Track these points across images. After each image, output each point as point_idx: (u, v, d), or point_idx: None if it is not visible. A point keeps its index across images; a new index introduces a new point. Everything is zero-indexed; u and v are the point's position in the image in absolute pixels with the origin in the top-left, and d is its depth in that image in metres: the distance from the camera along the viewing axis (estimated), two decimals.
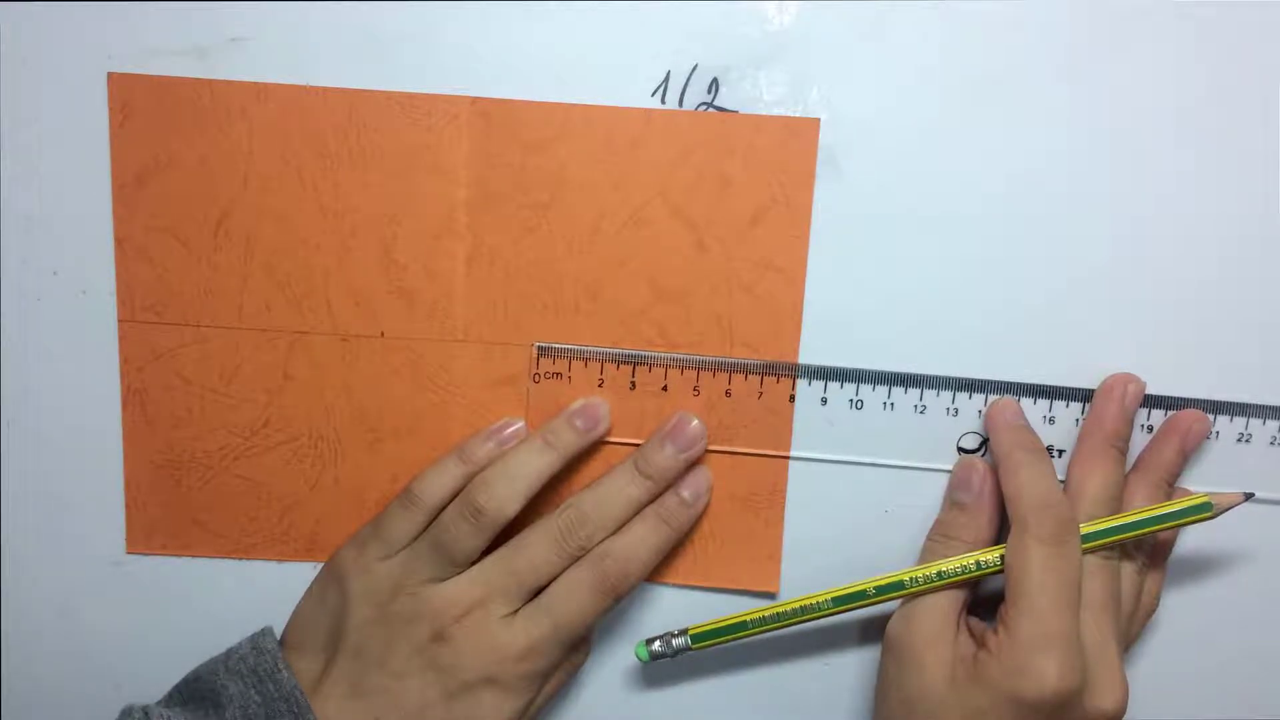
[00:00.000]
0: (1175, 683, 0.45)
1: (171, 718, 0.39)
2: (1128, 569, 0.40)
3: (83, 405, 0.43)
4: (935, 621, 0.39)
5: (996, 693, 0.36)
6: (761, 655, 0.45)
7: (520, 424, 0.43)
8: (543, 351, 0.42)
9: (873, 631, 0.44)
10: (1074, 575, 0.37)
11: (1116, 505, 0.40)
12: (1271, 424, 0.42)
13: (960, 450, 0.43)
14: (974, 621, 0.41)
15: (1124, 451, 0.41)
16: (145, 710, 0.39)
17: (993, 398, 0.42)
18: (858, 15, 0.40)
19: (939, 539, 0.42)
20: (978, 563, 0.39)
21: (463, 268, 0.42)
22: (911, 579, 0.40)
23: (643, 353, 0.42)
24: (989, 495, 0.41)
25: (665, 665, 0.45)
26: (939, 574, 0.39)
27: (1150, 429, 0.42)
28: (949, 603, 0.40)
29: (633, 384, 0.42)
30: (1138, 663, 0.44)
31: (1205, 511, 0.39)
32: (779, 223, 0.41)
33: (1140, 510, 0.39)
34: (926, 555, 0.42)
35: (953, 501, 0.42)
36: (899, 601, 0.40)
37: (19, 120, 0.41)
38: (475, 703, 0.39)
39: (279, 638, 0.42)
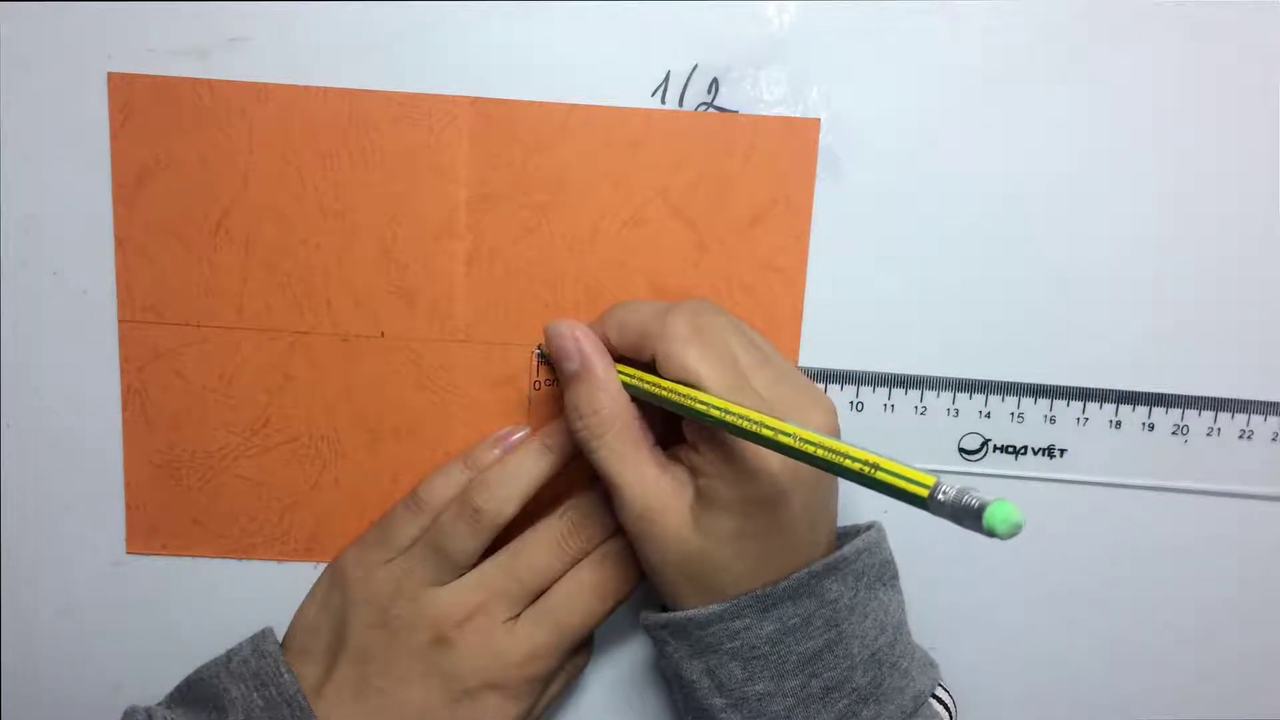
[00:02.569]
0: (1175, 683, 0.45)
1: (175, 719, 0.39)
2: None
3: (83, 405, 0.43)
4: (645, 491, 0.37)
5: (739, 505, 0.35)
6: None
7: (526, 431, 0.42)
8: (543, 359, 0.42)
9: None
10: (725, 352, 0.36)
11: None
12: (1273, 420, 0.42)
13: (962, 451, 0.43)
14: (671, 452, 0.38)
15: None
16: (149, 712, 0.39)
17: (993, 398, 0.42)
18: (858, 15, 0.40)
19: (585, 432, 0.38)
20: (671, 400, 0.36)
21: (463, 268, 0.42)
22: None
23: None
24: (597, 349, 0.38)
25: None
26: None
27: (1151, 427, 0.42)
28: (641, 466, 0.37)
29: None
30: (1138, 662, 0.44)
31: None
32: (779, 223, 0.41)
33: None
34: (591, 450, 0.38)
35: (566, 377, 0.39)
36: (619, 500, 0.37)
37: (19, 120, 0.41)
38: (478, 707, 0.39)
39: (280, 640, 0.42)
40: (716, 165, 0.41)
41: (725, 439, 0.35)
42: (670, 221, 0.41)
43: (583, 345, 0.38)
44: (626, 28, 0.40)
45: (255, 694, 0.39)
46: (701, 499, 0.36)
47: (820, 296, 0.42)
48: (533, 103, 0.41)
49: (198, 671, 0.41)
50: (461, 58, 0.41)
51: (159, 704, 0.41)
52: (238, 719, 0.39)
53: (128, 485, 0.43)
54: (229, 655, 0.41)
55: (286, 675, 0.40)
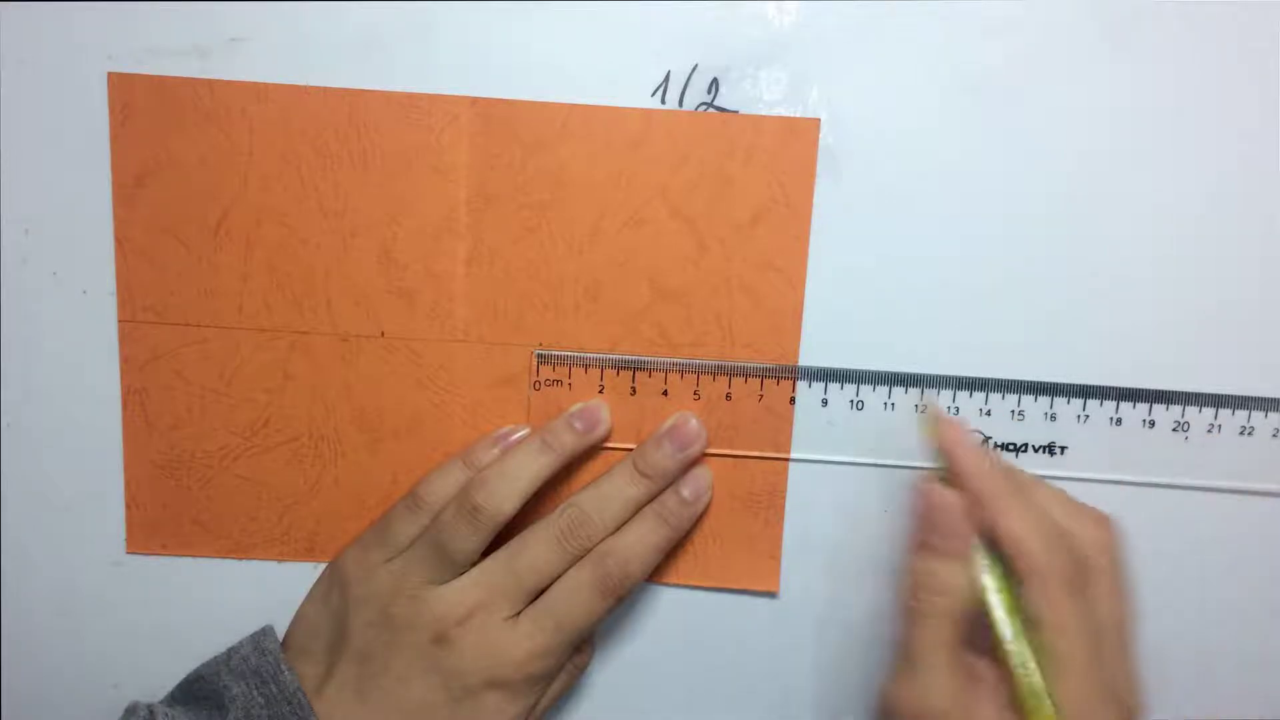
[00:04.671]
0: (1175, 682, 0.44)
1: (176, 717, 0.39)
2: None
3: (83, 405, 0.43)
4: (947, 683, 0.35)
5: None
6: (761, 655, 0.45)
7: (526, 430, 0.42)
8: (543, 359, 0.42)
9: (872, 634, 0.44)
10: (1100, 617, 0.36)
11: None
12: (1274, 416, 0.42)
13: None
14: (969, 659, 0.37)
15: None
16: (150, 708, 0.39)
17: (993, 395, 0.42)
18: (858, 15, 0.40)
19: (922, 605, 0.37)
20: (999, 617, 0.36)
21: (463, 268, 0.42)
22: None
23: (643, 358, 0.42)
24: (967, 535, 0.37)
25: (668, 666, 0.45)
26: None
27: (1152, 424, 0.42)
28: (954, 662, 0.36)
29: (633, 389, 0.42)
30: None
31: None
32: (779, 223, 0.41)
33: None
34: (911, 617, 0.37)
35: (929, 546, 0.37)
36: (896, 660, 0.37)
37: (19, 120, 0.41)
38: (479, 706, 0.39)
39: (281, 640, 0.42)
40: (716, 165, 0.41)
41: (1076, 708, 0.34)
42: (670, 221, 0.41)
43: (965, 527, 0.37)
44: (626, 28, 0.40)
45: (256, 692, 0.39)
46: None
47: (820, 296, 0.42)
48: (533, 103, 0.41)
49: (198, 669, 0.41)
50: (461, 58, 0.41)
51: (159, 702, 0.41)
52: (238, 716, 0.39)
53: (128, 485, 0.43)
54: (229, 653, 0.41)
55: (287, 673, 0.40)
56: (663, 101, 0.41)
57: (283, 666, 0.40)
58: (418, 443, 0.43)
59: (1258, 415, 0.42)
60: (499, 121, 0.41)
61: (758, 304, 0.42)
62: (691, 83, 0.41)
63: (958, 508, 0.37)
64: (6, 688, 0.45)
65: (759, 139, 0.41)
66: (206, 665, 0.41)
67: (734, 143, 0.41)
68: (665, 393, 0.42)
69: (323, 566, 0.44)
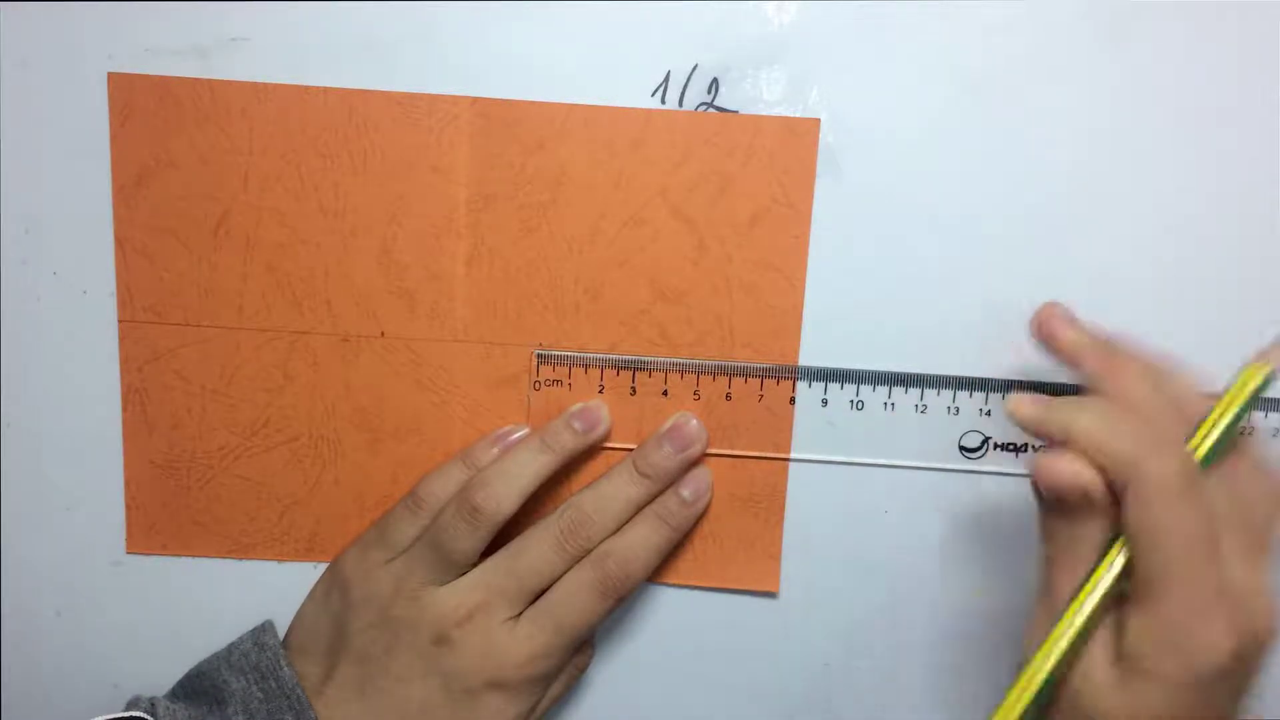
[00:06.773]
0: None
1: (176, 711, 0.39)
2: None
3: (83, 405, 0.43)
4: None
5: (1165, 684, 0.31)
6: (762, 656, 0.45)
7: (525, 430, 0.42)
8: (543, 359, 0.42)
9: (872, 634, 0.44)
10: (1208, 516, 0.32)
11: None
12: (1274, 416, 0.42)
13: (962, 449, 0.43)
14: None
15: None
16: (152, 701, 0.40)
17: (994, 395, 0.42)
18: (858, 15, 0.40)
19: (1053, 550, 0.34)
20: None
21: (463, 268, 0.42)
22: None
23: (643, 358, 0.42)
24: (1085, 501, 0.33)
25: (668, 666, 0.45)
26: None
27: None
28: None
29: (633, 389, 0.42)
30: None
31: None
32: (779, 223, 0.41)
33: (1226, 399, 0.34)
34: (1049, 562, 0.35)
35: (1060, 505, 0.34)
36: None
37: (19, 120, 0.41)
38: (479, 707, 0.39)
39: (282, 640, 0.42)
40: (716, 165, 0.41)
41: (1179, 614, 0.31)
42: (670, 221, 0.41)
43: (1090, 479, 0.33)
44: (626, 28, 0.40)
45: (255, 687, 0.39)
46: (1129, 666, 0.32)
47: (820, 296, 0.42)
48: (533, 103, 0.41)
49: (200, 665, 0.41)
50: (461, 58, 0.41)
51: (162, 696, 0.41)
52: (237, 710, 0.39)
53: (128, 485, 0.43)
54: (230, 648, 0.41)
55: (286, 669, 0.40)
56: (663, 101, 0.41)
57: (282, 662, 0.40)
58: (418, 443, 0.43)
59: (1257, 415, 0.42)
60: (499, 121, 0.41)
61: (758, 304, 0.42)
62: (691, 83, 0.41)
63: (1080, 477, 0.33)
64: (6, 688, 0.45)
65: (759, 139, 0.41)
66: (207, 660, 0.41)
67: (734, 143, 0.41)
68: (665, 393, 0.42)
69: (323, 566, 0.44)
